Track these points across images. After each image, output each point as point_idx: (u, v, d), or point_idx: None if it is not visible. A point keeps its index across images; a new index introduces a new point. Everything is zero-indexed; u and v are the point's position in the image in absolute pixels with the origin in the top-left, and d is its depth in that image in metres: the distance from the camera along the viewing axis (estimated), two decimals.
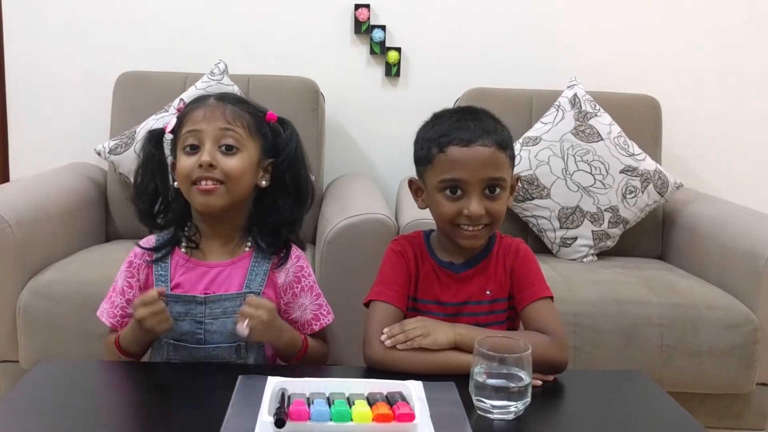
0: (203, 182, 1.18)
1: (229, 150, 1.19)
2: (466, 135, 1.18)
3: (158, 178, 1.25)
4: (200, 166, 1.17)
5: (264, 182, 1.25)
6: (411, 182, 1.29)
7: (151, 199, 1.25)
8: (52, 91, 2.51)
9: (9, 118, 2.54)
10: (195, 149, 1.19)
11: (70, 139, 2.49)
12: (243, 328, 1.13)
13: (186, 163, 1.19)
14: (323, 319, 1.30)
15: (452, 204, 1.19)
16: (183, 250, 1.25)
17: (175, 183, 1.23)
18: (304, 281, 1.28)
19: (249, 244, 1.26)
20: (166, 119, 1.29)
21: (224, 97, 1.24)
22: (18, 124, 2.54)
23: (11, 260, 1.76)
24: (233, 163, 1.19)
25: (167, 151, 1.27)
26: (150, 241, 1.28)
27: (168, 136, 1.26)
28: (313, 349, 1.28)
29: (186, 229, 1.26)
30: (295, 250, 1.29)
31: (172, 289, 1.22)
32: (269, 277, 1.25)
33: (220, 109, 1.20)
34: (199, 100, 1.23)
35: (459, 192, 1.19)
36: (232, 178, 1.18)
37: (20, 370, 1.76)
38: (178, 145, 1.22)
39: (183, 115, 1.22)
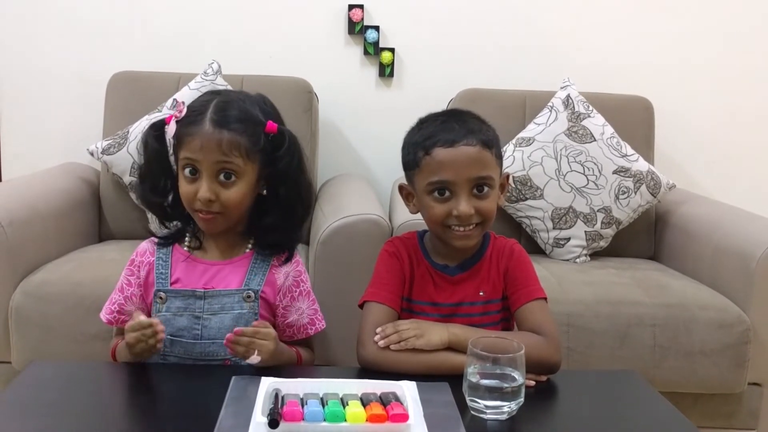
0: (204, 213, 1.20)
1: (228, 178, 1.19)
2: (451, 136, 1.18)
3: (165, 173, 1.25)
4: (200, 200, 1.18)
5: (264, 191, 1.25)
6: (401, 188, 1.30)
7: (162, 193, 1.26)
8: (44, 91, 2.50)
9: (1, 118, 2.53)
10: (194, 174, 1.19)
11: (62, 140, 2.49)
12: (255, 357, 1.13)
13: (186, 189, 1.20)
14: (318, 324, 1.31)
15: (441, 206, 1.19)
16: (185, 247, 1.26)
17: None
18: (303, 286, 1.29)
19: (250, 245, 1.28)
20: (162, 118, 1.26)
21: (221, 120, 1.17)
22: (10, 124, 2.53)
23: (3, 261, 1.75)
24: (232, 194, 1.19)
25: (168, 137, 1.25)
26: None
27: (168, 135, 1.24)
28: (304, 360, 1.30)
29: (192, 224, 1.28)
30: (295, 255, 1.30)
31: (171, 285, 1.23)
32: (269, 277, 1.26)
33: (215, 139, 1.16)
34: (197, 120, 1.18)
35: (447, 193, 1.19)
36: (230, 208, 1.20)
37: (12, 371, 1.75)
38: (179, 161, 1.22)
39: (181, 135, 1.19)
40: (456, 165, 1.17)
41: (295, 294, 1.28)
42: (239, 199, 1.20)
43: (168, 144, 1.25)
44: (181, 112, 1.21)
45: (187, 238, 1.27)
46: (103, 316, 1.28)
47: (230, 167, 1.18)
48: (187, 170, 1.20)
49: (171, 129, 1.21)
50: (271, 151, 1.23)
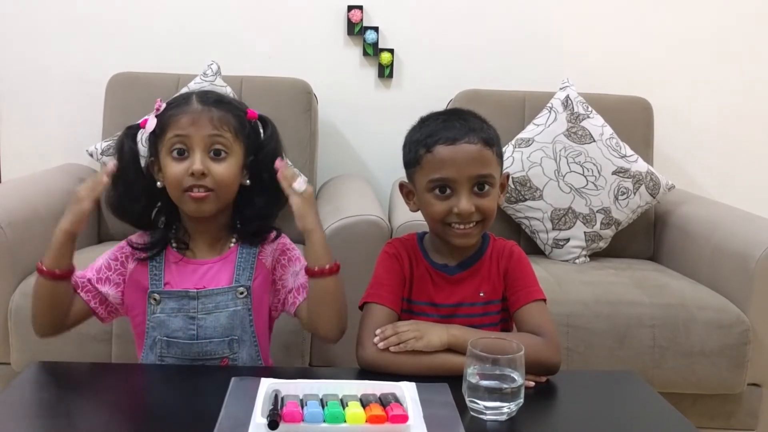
0: (195, 190, 1.19)
1: (218, 155, 1.20)
2: (452, 134, 1.19)
3: (140, 178, 1.25)
4: (192, 174, 1.17)
5: (247, 181, 1.26)
6: (401, 186, 1.30)
7: (137, 198, 1.24)
8: (44, 92, 2.50)
9: (1, 118, 2.53)
10: (182, 154, 1.19)
11: (62, 140, 2.49)
12: (301, 183, 1.16)
13: (176, 169, 1.19)
14: None
15: (442, 203, 1.20)
16: (174, 247, 1.26)
17: (159, 183, 1.23)
18: (290, 253, 1.29)
19: (234, 239, 1.28)
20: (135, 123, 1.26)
21: (206, 99, 1.21)
22: (10, 124, 2.53)
23: (3, 262, 1.75)
24: (223, 169, 1.20)
25: (141, 148, 1.25)
26: (143, 237, 1.27)
27: (145, 133, 1.24)
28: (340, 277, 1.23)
29: (174, 229, 1.27)
30: (282, 238, 1.31)
31: (163, 287, 1.23)
32: (258, 267, 1.26)
33: (206, 114, 1.19)
34: (181, 103, 1.21)
35: (448, 191, 1.19)
36: (222, 185, 1.20)
37: (12, 373, 1.75)
38: (162, 148, 1.21)
39: (166, 118, 1.20)
40: (457, 163, 1.18)
41: (284, 261, 1.28)
42: (230, 176, 1.21)
43: (143, 147, 1.25)
44: (159, 107, 1.22)
45: (173, 243, 1.26)
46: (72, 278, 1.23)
47: (221, 141, 1.19)
48: (175, 151, 1.19)
49: (150, 124, 1.21)
50: (254, 139, 1.25)
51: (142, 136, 1.25)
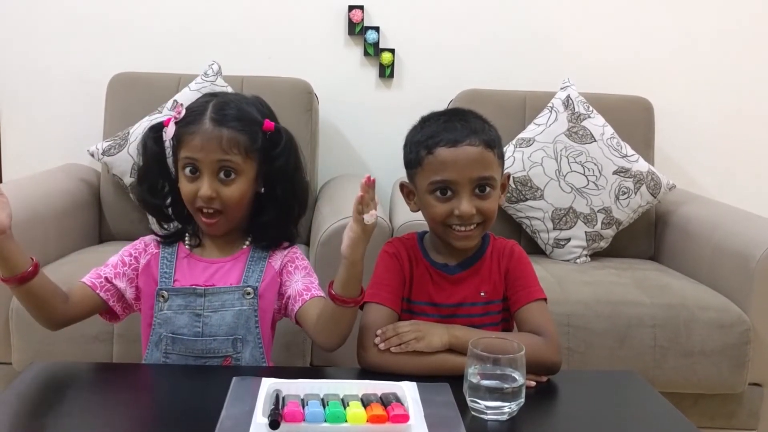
0: (205, 210, 1.22)
1: (228, 176, 1.21)
2: (453, 135, 1.19)
3: (163, 175, 1.28)
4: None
5: (262, 189, 1.27)
6: (402, 186, 1.30)
7: (160, 195, 1.29)
8: (44, 92, 2.50)
9: (1, 119, 2.53)
10: (195, 173, 1.21)
11: (63, 141, 2.49)
12: (373, 215, 1.06)
13: (188, 188, 1.22)
14: (314, 291, 1.27)
15: (443, 205, 1.20)
16: (187, 246, 1.28)
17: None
18: (298, 262, 1.30)
19: (247, 241, 1.30)
20: (161, 120, 1.27)
21: (220, 118, 1.20)
22: (10, 125, 2.53)
23: None
24: (232, 191, 1.21)
25: (166, 140, 1.27)
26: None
27: (167, 138, 1.26)
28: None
29: (190, 225, 1.30)
30: (294, 247, 1.33)
31: (173, 284, 1.24)
32: (267, 270, 1.27)
33: (216, 138, 1.19)
34: (196, 119, 1.21)
35: (449, 193, 1.19)
36: (231, 206, 1.22)
37: (13, 372, 1.75)
38: (179, 161, 1.23)
39: (181, 133, 1.21)
40: (458, 165, 1.18)
41: (290, 268, 1.29)
42: (239, 197, 1.22)
43: (167, 145, 1.26)
44: (179, 113, 1.23)
45: (187, 237, 1.29)
46: (87, 279, 1.25)
47: (230, 165, 1.20)
48: (187, 169, 1.22)
49: (170, 131, 1.23)
50: (268, 150, 1.25)
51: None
